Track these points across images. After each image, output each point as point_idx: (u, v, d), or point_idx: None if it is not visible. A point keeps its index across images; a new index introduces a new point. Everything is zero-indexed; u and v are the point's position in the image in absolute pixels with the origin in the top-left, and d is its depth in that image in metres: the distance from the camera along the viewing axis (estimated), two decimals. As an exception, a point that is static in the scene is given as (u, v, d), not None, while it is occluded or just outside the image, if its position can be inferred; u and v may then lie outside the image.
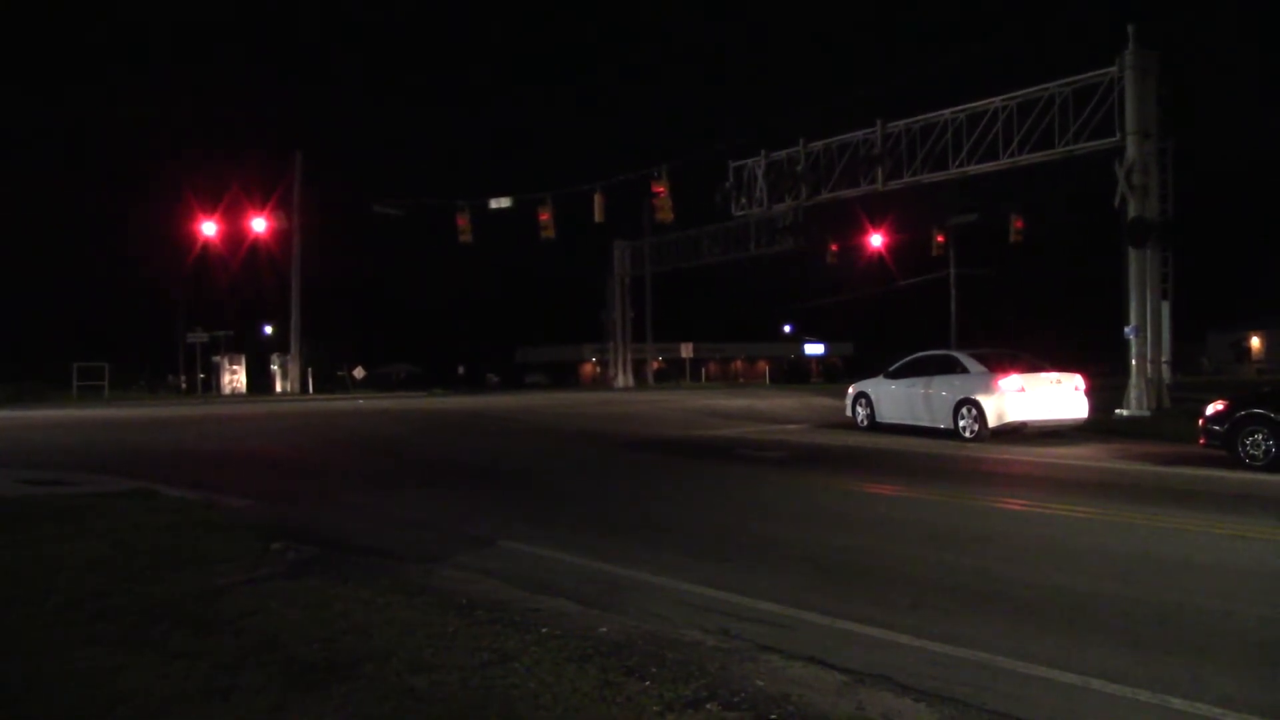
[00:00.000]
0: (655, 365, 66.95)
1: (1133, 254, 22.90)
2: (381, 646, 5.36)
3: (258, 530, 9.03)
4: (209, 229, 45.97)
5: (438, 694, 4.64)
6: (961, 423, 17.92)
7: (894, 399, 20.07)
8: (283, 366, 51.36)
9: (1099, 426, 19.30)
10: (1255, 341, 64.17)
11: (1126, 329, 22.98)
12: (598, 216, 35.73)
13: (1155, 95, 23.18)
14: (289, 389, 50.11)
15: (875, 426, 20.38)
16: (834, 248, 46.51)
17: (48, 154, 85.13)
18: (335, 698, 4.58)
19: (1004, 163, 26.96)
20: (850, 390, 21.85)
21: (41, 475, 13.85)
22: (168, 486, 12.31)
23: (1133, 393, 22.58)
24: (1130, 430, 19.66)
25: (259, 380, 52.06)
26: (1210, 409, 14.27)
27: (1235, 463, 13.45)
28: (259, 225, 45.44)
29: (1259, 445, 13.27)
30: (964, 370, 18.49)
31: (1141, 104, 22.97)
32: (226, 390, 50.55)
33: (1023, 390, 17.48)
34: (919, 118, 29.16)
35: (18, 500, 10.93)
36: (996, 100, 26.86)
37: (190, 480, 13.27)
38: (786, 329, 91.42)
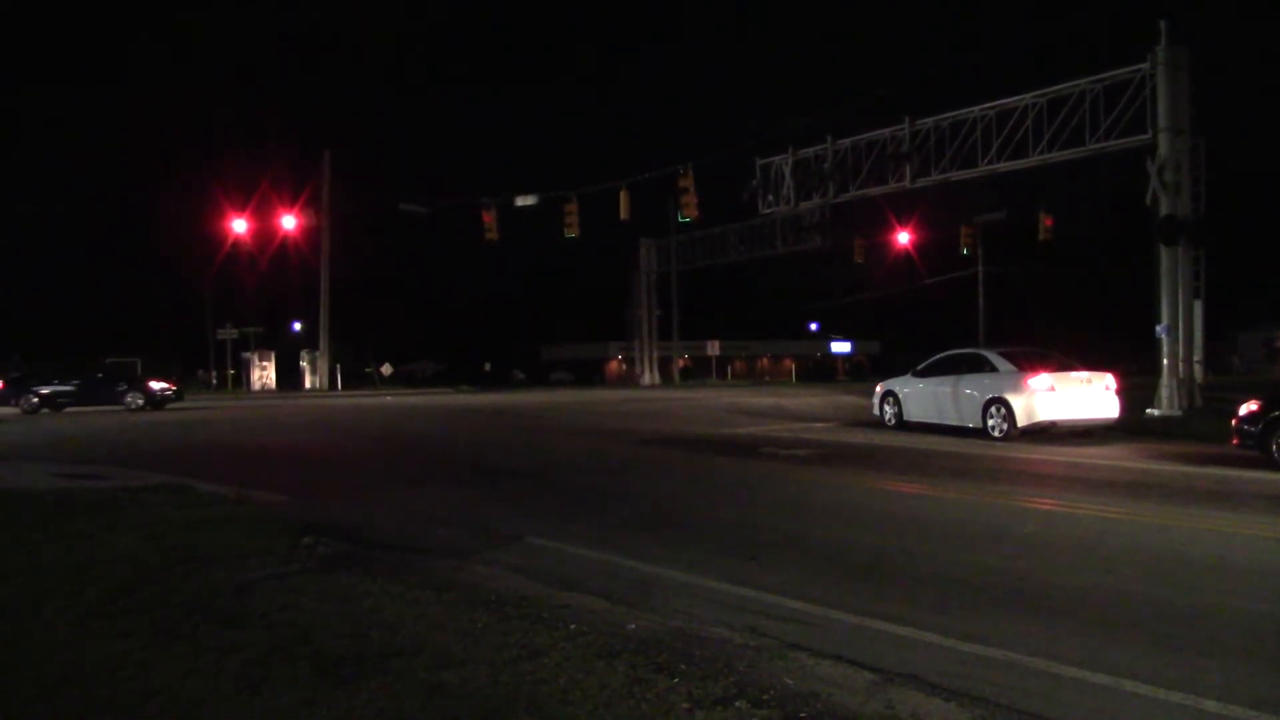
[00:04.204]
0: (681, 363, 66.93)
1: (1164, 252, 22.67)
2: (411, 641, 5.39)
3: (288, 525, 9.10)
4: (239, 226, 46.40)
5: (467, 689, 4.67)
6: (990, 422, 17.79)
7: (922, 398, 19.96)
8: (312, 363, 51.77)
9: (1130, 426, 19.11)
10: (1288, 341, 63.27)
11: (1158, 328, 22.74)
12: (623, 214, 35.71)
13: (1188, 91, 22.92)
14: (318, 385, 50.50)
15: (903, 425, 20.28)
16: (861, 244, 46.33)
17: (81, 152, 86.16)
18: (365, 692, 4.61)
19: (1034, 160, 26.76)
20: (878, 389, 21.75)
21: (75, 469, 14.04)
22: (199, 481, 12.44)
23: (1164, 392, 22.35)
24: (1161, 430, 19.46)
25: (288, 376, 52.51)
26: (1243, 409, 14.09)
27: (1269, 463, 13.28)
28: (288, 223, 45.84)
29: (1293, 446, 13.08)
30: (993, 369, 18.35)
31: (1174, 100, 22.72)
32: (256, 386, 51.01)
33: (1052, 389, 17.33)
34: (948, 115, 28.99)
35: (53, 494, 11.08)
36: (1027, 97, 26.66)
37: (222, 475, 13.38)
38: (813, 327, 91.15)
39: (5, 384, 31.37)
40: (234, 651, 5.21)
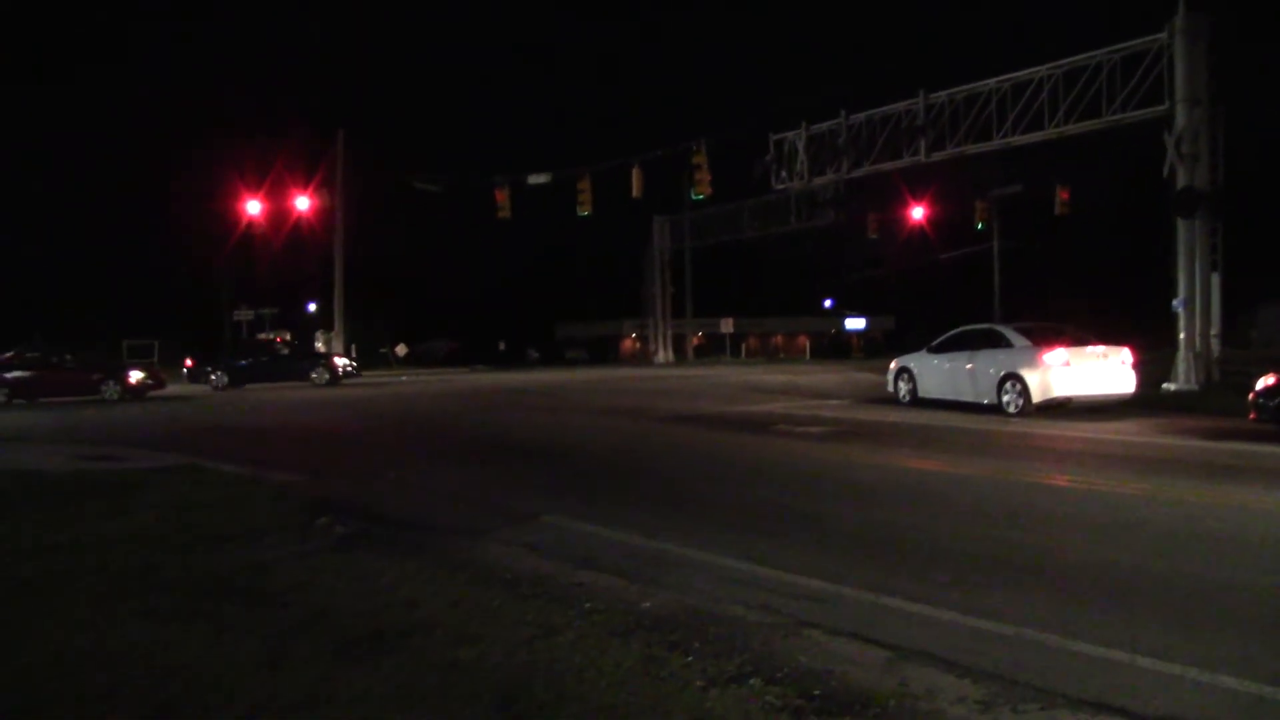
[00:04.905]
0: (695, 340, 66.86)
1: (1181, 225, 22.45)
2: (427, 619, 5.44)
3: (304, 504, 9.18)
4: (253, 207, 46.41)
5: (483, 666, 4.71)
6: (1005, 398, 17.72)
7: (937, 374, 19.89)
8: (326, 343, 51.90)
9: (1146, 401, 19.00)
10: (1309, 314, 62.66)
11: (1175, 301, 22.57)
12: (636, 191, 35.61)
13: (1206, 61, 22.60)
14: (334, 365, 50.59)
15: (917, 402, 20.22)
16: (875, 220, 46.12)
17: (95, 132, 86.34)
18: (383, 669, 4.66)
19: (1050, 133, 26.49)
20: (892, 365, 21.68)
21: (93, 451, 14.17)
22: (216, 461, 12.54)
23: (1181, 366, 22.20)
24: (1178, 405, 19.34)
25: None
26: (1260, 383, 14.00)
27: (1287, 437, 13.20)
28: (302, 203, 45.79)
29: (1312, 420, 13.00)
30: (1008, 345, 18.27)
31: (1192, 70, 22.43)
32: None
33: (1068, 364, 17.24)
34: (962, 88, 28.70)
35: (72, 475, 11.20)
36: (1042, 69, 26.36)
37: (237, 455, 13.49)
38: (827, 303, 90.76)
39: (194, 362, 35.10)
40: (253, 630, 5.27)
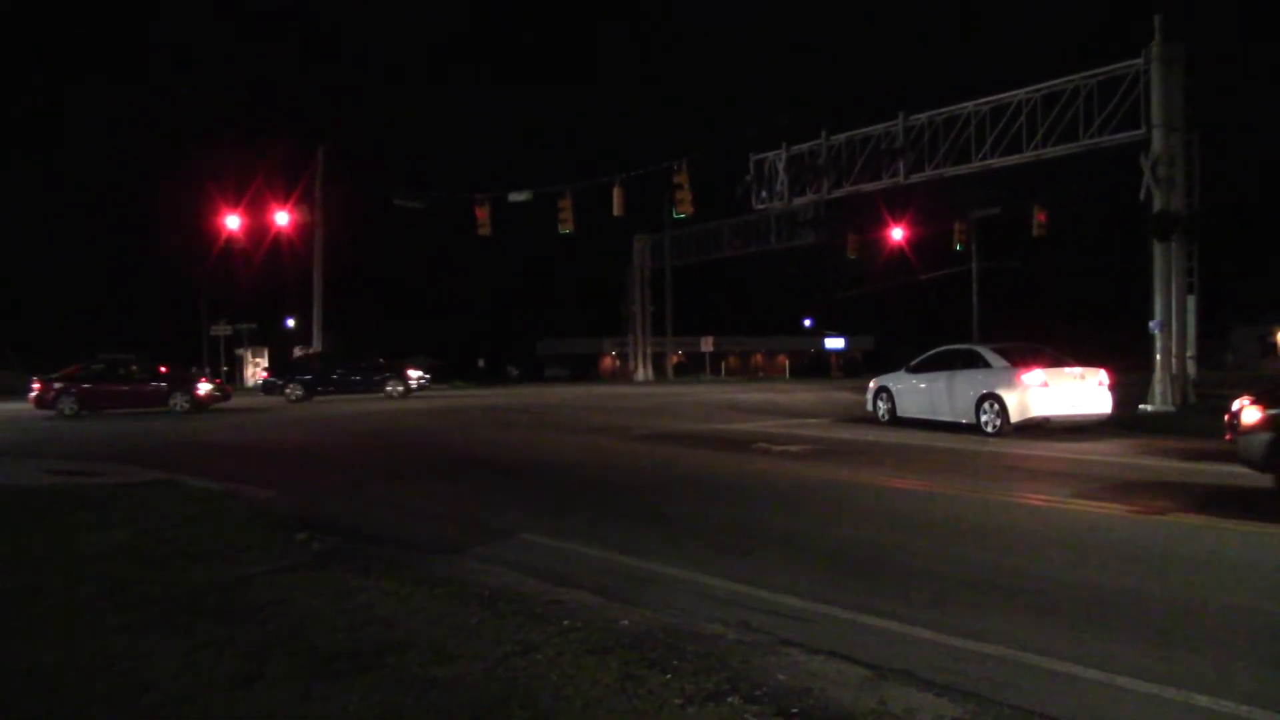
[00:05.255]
0: (675, 359, 66.95)
1: (1157, 248, 22.71)
2: (405, 637, 5.40)
3: (281, 521, 9.11)
4: (233, 222, 46.22)
5: (461, 684, 4.67)
6: (984, 417, 17.82)
7: (915, 393, 19.99)
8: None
9: (1123, 422, 19.14)
10: (1281, 336, 63.36)
11: (1151, 323, 22.79)
12: (617, 210, 35.66)
13: (1181, 87, 22.93)
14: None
15: (896, 421, 20.30)
16: (855, 240, 46.36)
17: (72, 146, 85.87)
18: (359, 687, 4.61)
19: (1028, 155, 26.80)
20: (871, 385, 21.77)
21: (69, 466, 14.03)
22: (192, 477, 12.44)
23: (1157, 388, 22.40)
24: (1154, 426, 19.49)
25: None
26: (1237, 404, 14.11)
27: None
28: (282, 219, 45.63)
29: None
30: (986, 365, 18.38)
31: (1167, 96, 22.74)
32: (250, 383, 50.89)
33: (1046, 385, 17.36)
34: (942, 110, 29.00)
35: (48, 490, 11.08)
36: (1020, 92, 26.67)
37: (214, 471, 13.38)
38: (807, 323, 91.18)
39: (270, 374, 36.76)
40: (228, 646, 5.22)
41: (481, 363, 73.58)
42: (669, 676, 4.78)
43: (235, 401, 31.31)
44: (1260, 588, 6.80)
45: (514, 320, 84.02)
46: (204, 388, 28.65)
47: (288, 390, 33.69)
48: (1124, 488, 11.46)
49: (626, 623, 5.82)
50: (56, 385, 27.15)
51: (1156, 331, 22.61)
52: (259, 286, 55.35)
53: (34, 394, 27.37)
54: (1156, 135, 22.73)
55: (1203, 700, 4.64)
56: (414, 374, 36.06)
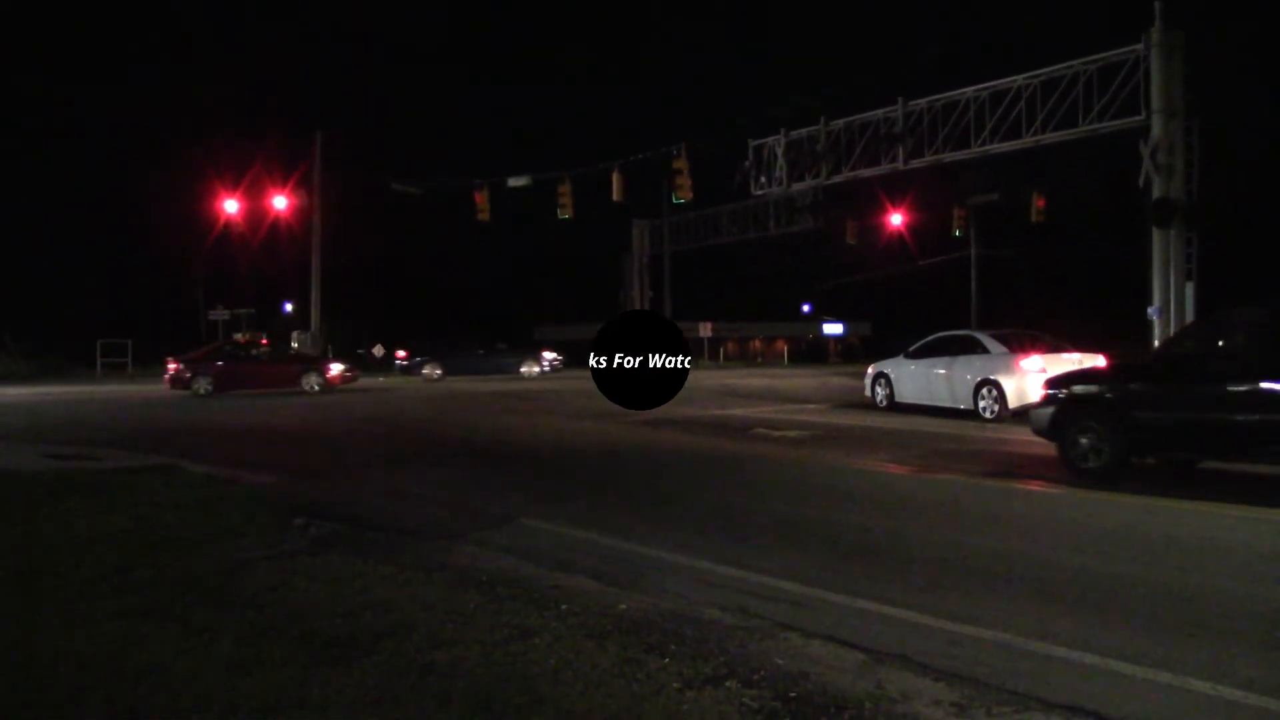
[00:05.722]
0: (674, 345, 66.84)
1: (1156, 235, 22.68)
2: (402, 622, 5.40)
3: (279, 506, 9.11)
4: (231, 207, 46.10)
5: (458, 669, 4.68)
6: (982, 403, 17.84)
7: (914, 379, 20.00)
8: (303, 344, 51.59)
9: (1120, 408, 19.10)
10: (1280, 323, 63.25)
11: (1149, 310, 22.79)
12: (616, 195, 35.57)
13: (1182, 74, 22.86)
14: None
15: (894, 407, 20.31)
16: (854, 226, 46.28)
17: (71, 132, 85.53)
18: (356, 672, 4.62)
19: (1027, 141, 26.70)
20: (869, 370, 21.78)
21: (67, 450, 14.01)
22: (190, 462, 12.43)
23: (1155, 374, 22.36)
24: (1152, 412, 19.45)
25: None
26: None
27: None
28: (280, 203, 45.49)
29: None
30: (985, 351, 18.39)
31: (1167, 82, 22.66)
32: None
33: (1044, 371, 17.32)
34: (941, 96, 28.88)
35: (46, 474, 11.07)
36: (1019, 78, 26.55)
37: (213, 456, 13.38)
38: (805, 309, 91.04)
39: (407, 354, 38.79)
40: (226, 632, 5.22)
41: (481, 351, 73.41)
42: (667, 661, 4.79)
43: (362, 382, 32.49)
44: (1257, 573, 6.82)
45: (513, 306, 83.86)
46: (335, 368, 29.57)
47: (425, 370, 36.79)
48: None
49: (625, 607, 5.83)
50: (191, 366, 28.16)
51: (1155, 318, 22.60)
52: (257, 272, 55.28)
53: (170, 374, 28.36)
54: (1156, 122, 22.66)
55: (1199, 685, 4.64)
56: (549, 356, 39.69)
